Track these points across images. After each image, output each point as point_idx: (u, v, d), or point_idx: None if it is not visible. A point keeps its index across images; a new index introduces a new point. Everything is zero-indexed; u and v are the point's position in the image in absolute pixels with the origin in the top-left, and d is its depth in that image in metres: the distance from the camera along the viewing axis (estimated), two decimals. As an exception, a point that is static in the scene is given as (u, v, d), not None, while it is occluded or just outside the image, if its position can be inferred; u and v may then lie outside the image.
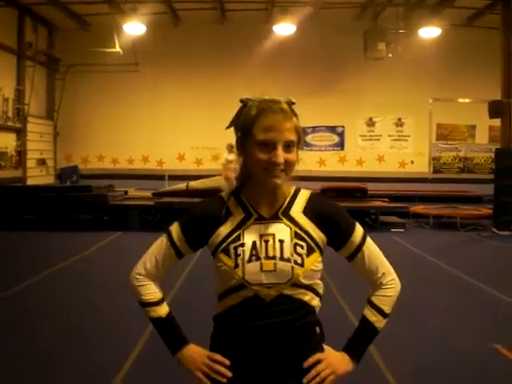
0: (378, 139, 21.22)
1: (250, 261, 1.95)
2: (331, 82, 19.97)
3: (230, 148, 15.14)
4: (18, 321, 6.39)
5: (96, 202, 13.96)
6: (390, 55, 17.99)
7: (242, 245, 1.97)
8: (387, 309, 2.10)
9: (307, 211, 2.04)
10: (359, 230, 2.12)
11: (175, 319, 2.16)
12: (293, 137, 1.96)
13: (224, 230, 2.01)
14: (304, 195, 2.10)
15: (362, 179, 18.07)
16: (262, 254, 1.95)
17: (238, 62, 19.47)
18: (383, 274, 2.11)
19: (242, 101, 2.07)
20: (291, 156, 1.95)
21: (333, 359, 2.05)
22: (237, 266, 1.95)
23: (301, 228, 2.00)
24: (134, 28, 17.03)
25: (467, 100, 19.22)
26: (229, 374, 1.99)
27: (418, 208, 15.38)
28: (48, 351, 5.39)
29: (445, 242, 12.74)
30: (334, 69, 19.86)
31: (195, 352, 2.09)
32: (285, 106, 1.99)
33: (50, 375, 4.85)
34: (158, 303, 2.13)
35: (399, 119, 21.17)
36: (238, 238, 1.98)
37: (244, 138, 2.01)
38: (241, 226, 2.01)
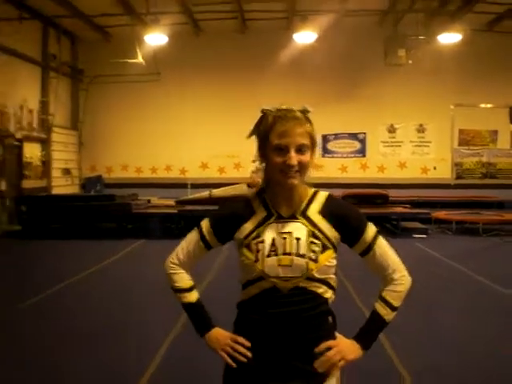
0: (400, 145, 21.19)
1: (269, 256, 2.15)
2: (352, 89, 20.03)
3: None
4: (46, 325, 6.55)
5: (120, 211, 14.16)
6: (410, 61, 18.02)
7: (263, 241, 2.17)
8: (396, 303, 2.26)
9: (324, 212, 2.22)
10: (371, 229, 2.28)
11: (203, 305, 2.39)
12: (305, 141, 2.17)
13: (248, 226, 2.22)
14: (322, 197, 2.29)
15: (384, 186, 18.08)
16: (280, 250, 2.15)
17: (260, 70, 19.59)
18: (394, 270, 2.27)
19: (262, 111, 2.29)
20: (304, 158, 2.15)
21: (343, 346, 2.20)
22: (257, 260, 2.16)
23: (317, 227, 2.18)
24: (156, 39, 17.22)
25: (489, 105, 19.17)
26: (249, 354, 2.20)
27: (441, 214, 15.37)
28: (71, 354, 5.54)
29: (467, 247, 12.73)
30: (355, 76, 19.91)
31: (220, 334, 2.31)
32: (298, 114, 2.20)
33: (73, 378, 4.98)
34: (189, 290, 2.37)
35: (421, 125, 21.12)
36: (259, 235, 2.19)
37: (263, 145, 2.23)
38: (262, 223, 2.21)
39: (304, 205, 2.23)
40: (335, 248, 2.22)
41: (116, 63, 18.78)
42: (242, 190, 14.23)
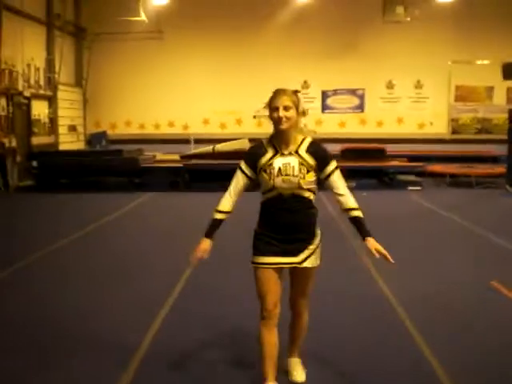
0: (398, 101, 21.68)
1: (277, 176, 3.62)
2: (351, 46, 20.41)
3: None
4: (69, 268, 7.21)
5: (127, 165, 14.74)
6: (409, 19, 18.41)
7: (273, 168, 3.64)
8: (357, 206, 3.70)
9: (308, 150, 3.67)
10: (333, 164, 3.70)
11: (219, 224, 3.78)
12: (288, 103, 3.58)
13: (264, 159, 3.69)
14: (307, 141, 3.73)
15: (382, 141, 18.60)
16: (283, 173, 3.62)
17: (261, 28, 19.94)
18: (343, 189, 3.71)
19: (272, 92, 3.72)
20: (288, 114, 3.58)
21: (374, 242, 3.61)
22: (270, 178, 3.63)
23: (303, 159, 3.65)
24: (159, -3, 17.55)
25: (485, 61, 19.56)
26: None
27: (435, 167, 15.94)
28: (99, 287, 6.19)
29: (459, 198, 13.33)
30: (354, 33, 20.27)
31: (204, 243, 3.75)
32: (288, 91, 3.66)
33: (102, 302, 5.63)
34: (219, 212, 3.77)
35: (418, 81, 21.56)
36: (271, 164, 3.66)
37: (269, 109, 3.65)
38: (272, 157, 3.67)
39: (296, 146, 3.67)
40: (315, 171, 3.65)
41: (119, 21, 19.14)
42: (244, 144, 14.76)
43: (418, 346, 4.56)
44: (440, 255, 7.71)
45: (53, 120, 18.94)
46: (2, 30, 15.13)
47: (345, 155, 15.95)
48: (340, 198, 3.69)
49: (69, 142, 19.93)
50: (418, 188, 14.59)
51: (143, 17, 18.96)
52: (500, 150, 17.54)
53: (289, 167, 3.60)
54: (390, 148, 17.09)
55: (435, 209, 11.59)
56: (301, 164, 3.61)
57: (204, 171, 14.33)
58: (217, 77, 20.71)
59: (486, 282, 6.28)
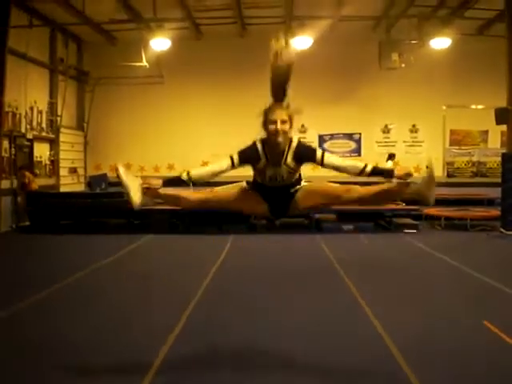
0: (394, 145, 21.99)
1: (269, 181, 4.22)
2: (348, 92, 20.82)
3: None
4: (75, 304, 7.36)
5: (127, 207, 14.88)
6: (404, 65, 18.81)
7: (265, 175, 4.20)
8: (363, 163, 4.35)
9: (294, 157, 4.14)
10: (319, 151, 4.16)
11: (179, 182, 4.38)
12: (285, 117, 4.00)
13: (257, 166, 4.20)
14: (293, 144, 4.15)
15: (378, 184, 18.81)
16: (273, 179, 4.19)
17: (258, 73, 20.01)
18: (342, 161, 4.28)
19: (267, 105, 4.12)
20: (285, 127, 3.99)
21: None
22: (262, 180, 4.24)
23: (291, 168, 4.17)
24: (160, 43, 17.93)
25: (479, 106, 19.91)
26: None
27: (431, 210, 16.15)
28: (106, 321, 6.35)
29: (454, 241, 13.55)
30: (350, 79, 20.70)
31: (158, 181, 4.36)
32: (283, 105, 4.05)
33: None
34: (188, 174, 4.31)
35: (414, 126, 21.93)
36: (263, 171, 4.19)
37: (265, 120, 4.05)
38: (264, 166, 4.14)
39: (285, 155, 4.09)
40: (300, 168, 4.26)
41: (120, 66, 19.53)
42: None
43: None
44: (434, 295, 7.87)
45: (54, 162, 19.22)
46: (7, 74, 15.50)
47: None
48: (347, 168, 4.14)
49: (69, 184, 20.18)
50: (414, 231, 14.79)
51: (145, 62, 19.34)
52: (494, 192, 17.79)
53: (278, 176, 4.15)
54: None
55: (430, 251, 11.77)
56: (289, 172, 4.17)
57: (203, 213, 14.52)
58: (216, 120, 21.10)
59: (478, 321, 6.45)
